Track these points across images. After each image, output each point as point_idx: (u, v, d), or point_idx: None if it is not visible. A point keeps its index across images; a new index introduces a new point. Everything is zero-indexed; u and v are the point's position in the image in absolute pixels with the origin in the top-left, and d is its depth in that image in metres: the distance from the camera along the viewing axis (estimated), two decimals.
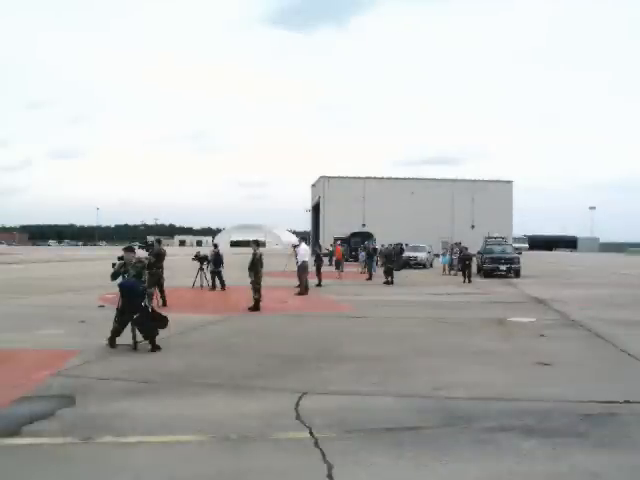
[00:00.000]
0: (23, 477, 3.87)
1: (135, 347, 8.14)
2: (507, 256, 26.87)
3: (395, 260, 24.70)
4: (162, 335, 8.37)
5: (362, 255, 30.17)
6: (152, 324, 8.21)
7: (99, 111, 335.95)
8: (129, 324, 8.25)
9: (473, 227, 62.32)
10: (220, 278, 18.04)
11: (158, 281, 13.22)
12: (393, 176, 69.46)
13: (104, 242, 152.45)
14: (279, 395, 5.81)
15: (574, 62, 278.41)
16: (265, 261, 13.72)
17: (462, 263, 24.14)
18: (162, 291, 13.52)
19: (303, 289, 17.23)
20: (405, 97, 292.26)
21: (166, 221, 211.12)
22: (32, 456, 4.20)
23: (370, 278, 24.13)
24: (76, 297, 15.71)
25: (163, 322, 8.39)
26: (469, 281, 22.73)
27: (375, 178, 67.58)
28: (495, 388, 6.21)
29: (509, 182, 69.51)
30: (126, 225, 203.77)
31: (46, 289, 17.97)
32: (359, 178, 66.44)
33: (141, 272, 8.56)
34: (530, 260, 43.20)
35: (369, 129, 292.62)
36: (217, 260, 18.12)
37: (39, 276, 25.15)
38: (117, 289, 8.54)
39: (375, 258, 27.38)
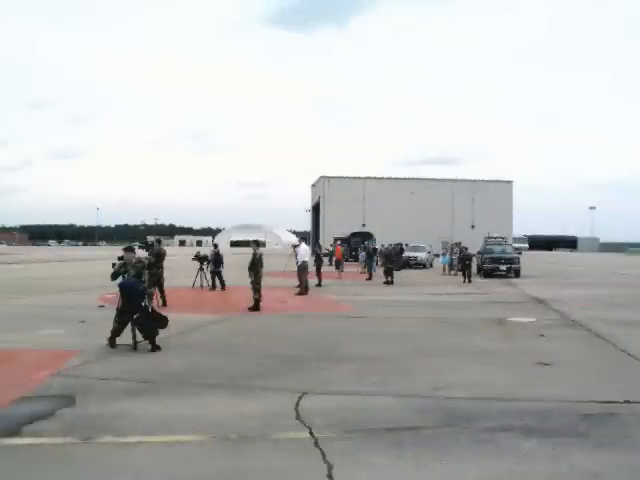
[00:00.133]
0: (23, 477, 3.87)
1: (135, 347, 8.14)
2: (507, 256, 26.87)
3: (395, 260, 24.70)
4: (162, 335, 8.37)
5: (362, 255, 30.17)
6: (152, 324, 8.21)
7: (99, 111, 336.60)
8: (129, 324, 8.25)
9: (473, 227, 62.33)
10: (220, 278, 18.05)
11: (158, 281, 13.22)
12: (393, 176, 69.53)
13: (104, 242, 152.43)
14: (279, 395, 5.81)
15: (574, 62, 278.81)
16: (265, 261, 13.72)
17: (462, 263, 24.14)
18: (162, 291, 13.52)
19: (303, 289, 17.23)
20: (405, 97, 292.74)
21: (166, 221, 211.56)
22: (32, 456, 4.20)
23: (370, 278, 24.13)
24: (76, 297, 15.71)
25: (163, 322, 8.39)
26: (469, 281, 22.73)
27: (375, 178, 67.59)
28: (495, 388, 6.21)
29: (509, 182, 69.52)
30: (126, 225, 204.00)
31: (46, 289, 17.97)
32: (359, 178, 66.45)
33: (141, 272, 8.56)
34: (530, 260, 43.20)
35: (369, 129, 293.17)
36: (217, 260, 18.12)
37: (39, 276, 25.15)
38: (117, 289, 8.54)
39: (375, 258, 27.38)
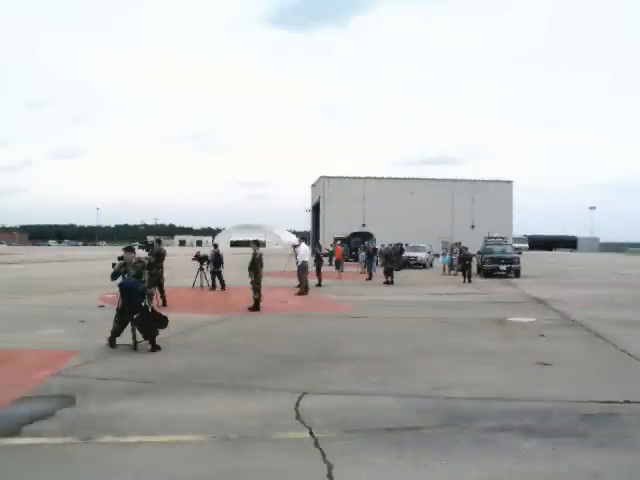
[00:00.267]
0: (23, 477, 3.87)
1: (135, 347, 8.14)
2: (507, 256, 26.87)
3: (395, 260, 24.70)
4: (162, 335, 8.37)
5: (362, 255, 30.17)
6: (152, 324, 8.21)
7: (99, 111, 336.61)
8: (129, 324, 8.25)
9: (473, 227, 62.33)
10: (220, 278, 18.05)
11: (158, 281, 13.22)
12: (393, 176, 69.53)
13: (104, 242, 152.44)
14: (279, 395, 5.81)
15: (574, 62, 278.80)
16: (265, 261, 13.72)
17: (462, 263, 24.14)
18: (162, 291, 13.53)
19: (303, 289, 17.23)
20: (405, 97, 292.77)
21: (166, 221, 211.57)
22: (32, 456, 4.20)
23: (370, 278, 24.13)
24: (76, 297, 15.71)
25: (163, 322, 8.39)
26: (469, 281, 22.73)
27: (375, 178, 67.59)
28: (495, 388, 6.21)
29: (509, 182, 69.52)
30: (126, 225, 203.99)
31: (46, 289, 17.97)
32: (359, 178, 66.45)
33: (141, 272, 8.56)
34: (530, 260, 43.20)
35: (369, 129, 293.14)
36: (217, 260, 18.13)
37: (39, 276, 25.15)
38: (117, 289, 8.54)
39: (375, 258, 27.38)
